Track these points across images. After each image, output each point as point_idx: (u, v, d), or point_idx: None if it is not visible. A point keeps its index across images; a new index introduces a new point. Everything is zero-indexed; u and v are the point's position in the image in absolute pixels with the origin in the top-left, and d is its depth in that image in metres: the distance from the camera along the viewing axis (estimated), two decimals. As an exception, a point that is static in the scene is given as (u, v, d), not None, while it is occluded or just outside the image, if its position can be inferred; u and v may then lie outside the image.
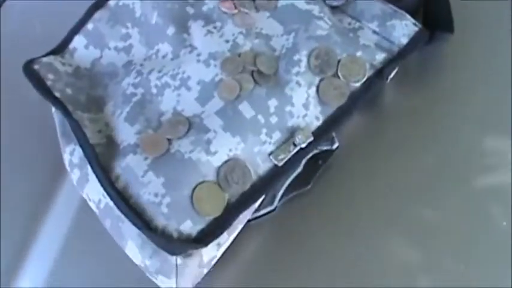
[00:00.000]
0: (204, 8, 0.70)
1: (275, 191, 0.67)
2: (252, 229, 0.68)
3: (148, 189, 0.61)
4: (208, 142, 0.63)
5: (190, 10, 0.71)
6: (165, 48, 0.69)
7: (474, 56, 0.74)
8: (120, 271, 0.68)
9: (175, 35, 0.69)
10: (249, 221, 0.67)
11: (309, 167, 0.68)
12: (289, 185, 0.68)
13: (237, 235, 0.64)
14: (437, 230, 0.65)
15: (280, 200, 0.67)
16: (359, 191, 0.68)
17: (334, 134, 0.68)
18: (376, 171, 0.70)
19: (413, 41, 0.70)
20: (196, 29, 0.69)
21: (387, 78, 0.69)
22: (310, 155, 0.67)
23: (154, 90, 0.67)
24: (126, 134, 0.65)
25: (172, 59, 0.68)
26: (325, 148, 0.68)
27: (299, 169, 0.68)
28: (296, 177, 0.68)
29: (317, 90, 0.67)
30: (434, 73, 0.74)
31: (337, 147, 0.68)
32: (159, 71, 0.68)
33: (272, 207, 0.67)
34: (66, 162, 0.67)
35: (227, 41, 0.68)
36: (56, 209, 0.73)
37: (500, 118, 0.71)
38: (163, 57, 0.69)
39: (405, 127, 0.71)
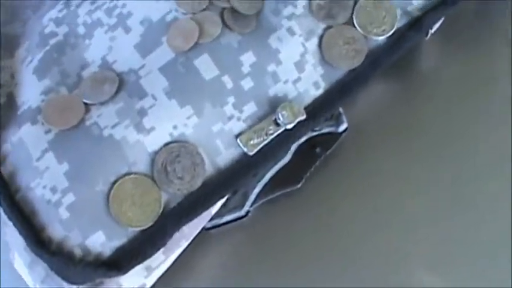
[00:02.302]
0: None
1: (247, 188, 0.43)
2: (213, 239, 0.46)
3: (44, 179, 0.39)
4: (142, 113, 0.40)
5: None
6: (107, -29, 0.46)
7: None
8: None
9: (122, -46, 0.45)
10: (207, 229, 0.43)
11: (301, 157, 0.44)
12: (271, 180, 0.43)
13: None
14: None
15: (255, 202, 0.43)
16: (366, 192, 0.47)
17: (341, 111, 0.43)
18: (397, 166, 0.49)
19: None
20: None
21: (427, 33, 0.45)
22: (303, 139, 0.43)
23: (81, 30, 0.44)
24: (30, 91, 0.43)
25: (114, -13, 0.45)
26: (326, 130, 0.44)
27: (286, 158, 0.43)
28: (282, 169, 0.44)
29: (319, 44, 0.45)
30: (490, 39, 0.49)
31: (346, 130, 0.43)
32: (92, 2, 0.44)
33: (242, 213, 0.44)
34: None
35: None
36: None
37: None
38: (104, -17, 0.45)
39: (445, 109, 0.47)
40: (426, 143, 0.48)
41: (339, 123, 0.46)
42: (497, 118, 0.48)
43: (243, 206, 0.45)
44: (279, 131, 0.43)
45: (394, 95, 0.49)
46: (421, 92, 0.49)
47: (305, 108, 0.43)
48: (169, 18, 0.44)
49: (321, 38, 0.45)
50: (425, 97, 0.49)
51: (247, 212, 0.46)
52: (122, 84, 0.43)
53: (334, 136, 0.46)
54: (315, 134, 0.45)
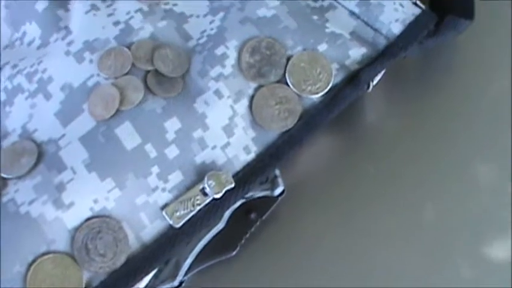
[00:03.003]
0: None
1: (179, 257, 0.41)
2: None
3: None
4: (61, 187, 0.38)
5: None
6: (32, 30, 0.45)
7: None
8: None
9: (46, 11, 0.44)
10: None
11: (235, 222, 0.42)
12: (205, 248, 0.40)
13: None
14: None
15: (188, 271, 0.41)
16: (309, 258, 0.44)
17: (277, 173, 0.41)
18: (340, 227, 0.46)
19: (411, 31, 0.45)
20: (79, 2, 0.43)
21: (368, 87, 0.42)
22: (238, 204, 0.40)
23: (2, 96, 0.41)
24: None
25: (38, 48, 0.42)
26: (261, 194, 0.41)
27: (220, 225, 0.41)
28: (216, 236, 0.42)
29: (250, 105, 0.43)
30: (439, 80, 0.46)
31: (282, 194, 0.41)
32: (14, 66, 0.42)
33: (175, 284, 0.41)
34: None
35: (116, 23, 0.42)
36: None
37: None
38: (29, 44, 0.44)
39: (389, 166, 0.45)
40: (368, 202, 0.45)
41: (274, 186, 0.43)
42: (445, 171, 0.45)
43: (175, 276, 0.43)
44: (207, 201, 0.40)
45: (334, 150, 0.46)
46: (363, 146, 0.46)
47: (235, 175, 0.41)
48: (90, 83, 0.42)
49: (251, 98, 0.42)
50: (368, 152, 0.46)
51: (181, 283, 0.43)
52: (40, 156, 0.40)
53: (270, 200, 0.44)
54: (249, 198, 0.43)
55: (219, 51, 0.43)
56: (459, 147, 0.46)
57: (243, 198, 0.42)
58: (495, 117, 0.47)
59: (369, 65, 0.43)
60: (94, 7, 0.45)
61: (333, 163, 0.46)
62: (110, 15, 0.44)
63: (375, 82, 0.45)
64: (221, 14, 0.44)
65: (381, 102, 0.48)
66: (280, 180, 0.44)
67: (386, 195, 0.45)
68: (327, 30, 0.44)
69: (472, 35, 0.48)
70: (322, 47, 0.43)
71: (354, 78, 0.43)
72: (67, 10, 0.45)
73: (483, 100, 0.47)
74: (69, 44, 0.43)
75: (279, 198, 0.44)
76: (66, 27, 0.44)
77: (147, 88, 0.42)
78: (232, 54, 0.42)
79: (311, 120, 0.42)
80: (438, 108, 0.48)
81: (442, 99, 0.48)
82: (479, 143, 0.46)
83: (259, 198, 0.44)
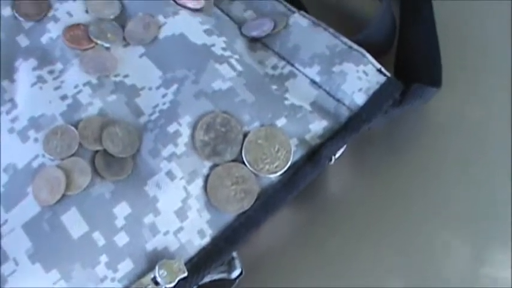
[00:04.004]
0: (44, 39, 0.42)
1: None
2: None
3: None
4: (3, 281, 0.35)
5: (24, 41, 0.42)
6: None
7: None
8: None
9: (-9, 82, 0.41)
10: None
11: None
12: None
13: None
14: None
15: None
16: None
17: (235, 254, 0.39)
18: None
19: (375, 101, 0.42)
20: (25, 73, 0.41)
21: (330, 159, 0.39)
22: None
23: None
24: None
25: (-18, 124, 0.40)
26: (218, 277, 0.38)
27: None
28: None
29: (204, 186, 0.41)
30: (405, 146, 0.44)
31: (240, 275, 0.38)
32: None
33: None
34: None
35: (64, 98, 0.40)
36: None
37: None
38: (-27, 119, 0.41)
39: (358, 232, 0.44)
40: (333, 277, 0.43)
41: (231, 268, 0.41)
42: (411, 242, 0.43)
43: None
44: (159, 291, 0.38)
45: (295, 222, 0.44)
46: (326, 217, 0.44)
47: (189, 261, 0.39)
48: (35, 164, 0.39)
49: (206, 178, 0.40)
50: (331, 224, 0.44)
51: None
52: None
53: (227, 283, 0.41)
54: (205, 281, 0.40)
55: (172, 128, 0.40)
56: (426, 217, 0.45)
57: (199, 282, 0.40)
58: (465, 186, 0.45)
59: (331, 139, 0.41)
60: (40, 79, 0.42)
61: (295, 236, 0.44)
62: (57, 88, 0.42)
63: (337, 155, 0.42)
64: (174, 87, 0.42)
65: (343, 171, 0.45)
66: (237, 261, 0.41)
67: (351, 268, 0.43)
68: (286, 102, 0.42)
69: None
70: (281, 122, 0.41)
71: (315, 155, 0.41)
72: (12, 81, 0.43)
73: (451, 169, 0.45)
74: (14, 120, 0.41)
75: (237, 280, 0.41)
76: (12, 100, 0.42)
77: (95, 171, 0.39)
78: (186, 132, 0.40)
79: (269, 201, 0.40)
80: (404, 176, 0.45)
81: (408, 167, 0.45)
82: (446, 213, 0.45)
83: (215, 281, 0.41)
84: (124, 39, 0.44)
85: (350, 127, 0.42)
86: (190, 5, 0.45)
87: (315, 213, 0.45)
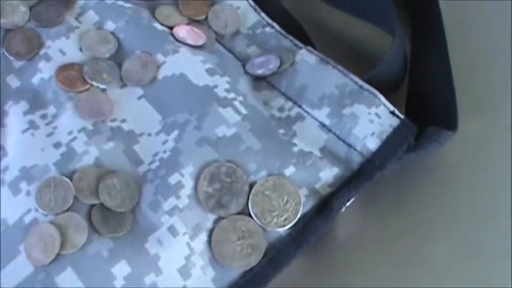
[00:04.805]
0: (35, 79, 0.39)
1: None
2: None
3: None
4: None
5: (14, 81, 0.39)
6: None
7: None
8: None
9: (-20, 127, 0.38)
10: None
11: None
12: None
13: None
14: None
15: None
16: None
17: None
18: None
19: (389, 146, 0.40)
20: (15, 117, 0.38)
21: (340, 208, 0.37)
22: None
23: None
24: None
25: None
26: None
27: None
28: None
29: (209, 241, 0.39)
30: (415, 189, 0.44)
31: None
32: None
33: None
34: None
35: (57, 146, 0.37)
36: None
37: None
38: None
39: (370, 276, 0.42)
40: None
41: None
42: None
43: None
44: None
45: (304, 267, 0.41)
46: (335, 262, 0.41)
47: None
48: (27, 219, 0.37)
49: (210, 232, 0.37)
50: (343, 269, 0.41)
51: None
52: None
53: None
54: None
55: (173, 179, 0.37)
56: (437, 263, 0.42)
57: None
58: (480, 232, 0.43)
59: (342, 189, 0.39)
60: (32, 125, 0.39)
61: (303, 281, 0.41)
62: (49, 135, 0.39)
63: (348, 203, 0.40)
64: (175, 133, 0.39)
65: (355, 216, 0.43)
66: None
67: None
68: (294, 148, 0.39)
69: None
70: (290, 171, 0.38)
71: (325, 207, 0.38)
72: (3, 126, 0.40)
73: (463, 212, 0.43)
74: (4, 170, 0.38)
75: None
76: (2, 148, 0.39)
77: (92, 227, 0.36)
78: (188, 183, 0.37)
79: (277, 257, 0.37)
80: (416, 221, 0.43)
81: (420, 212, 0.43)
82: (457, 260, 0.42)
83: None
84: (121, 79, 0.41)
85: (362, 175, 0.39)
86: (191, 41, 0.43)
87: (321, 258, 0.42)
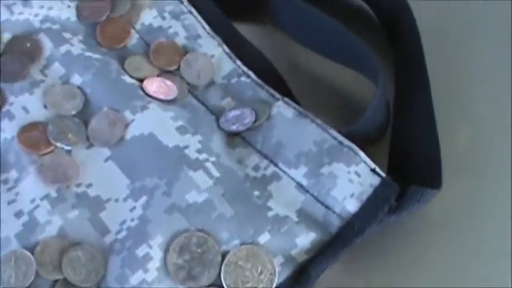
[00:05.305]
0: None
1: None
2: None
3: None
4: None
5: None
6: None
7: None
8: None
9: None
10: None
11: None
12: None
13: None
14: None
15: None
16: None
17: None
18: None
19: (369, 208, 0.39)
20: None
21: (318, 276, 0.35)
22: None
23: None
24: None
25: None
26: None
27: None
28: None
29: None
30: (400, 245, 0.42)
31: None
32: None
33: None
34: None
35: (19, 215, 0.36)
36: None
37: None
38: None
39: None
40: None
41: None
42: None
43: None
44: None
45: None
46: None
47: None
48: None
49: (181, 309, 0.35)
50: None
51: None
52: None
53: None
54: None
55: (141, 251, 0.36)
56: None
57: None
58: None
59: (320, 255, 0.36)
60: None
61: None
62: (11, 202, 0.37)
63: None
64: (143, 199, 0.37)
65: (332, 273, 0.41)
66: None
67: None
68: (269, 213, 0.37)
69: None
70: (264, 238, 0.36)
71: (302, 275, 0.36)
72: None
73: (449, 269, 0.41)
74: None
75: None
76: None
77: (52, 305, 0.34)
78: (157, 255, 0.35)
79: (252, 332, 0.35)
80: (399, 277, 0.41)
81: (403, 266, 0.41)
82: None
83: None
84: (87, 139, 0.39)
85: (341, 240, 0.37)
86: (161, 96, 0.40)
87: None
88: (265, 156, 0.39)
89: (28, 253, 0.36)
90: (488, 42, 0.49)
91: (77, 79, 0.41)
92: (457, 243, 0.41)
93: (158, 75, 0.42)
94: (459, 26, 0.50)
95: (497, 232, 0.42)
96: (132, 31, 0.44)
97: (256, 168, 0.39)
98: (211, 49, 0.43)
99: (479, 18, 0.50)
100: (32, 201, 0.37)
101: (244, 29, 0.45)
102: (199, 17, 0.44)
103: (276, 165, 0.39)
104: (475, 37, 0.49)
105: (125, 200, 0.37)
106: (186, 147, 0.39)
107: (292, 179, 0.39)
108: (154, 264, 0.36)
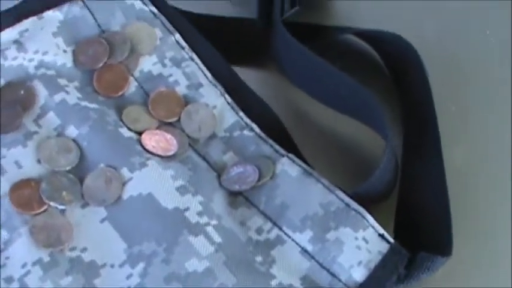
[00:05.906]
0: None
1: None
2: None
3: None
4: None
5: None
6: None
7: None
8: None
9: None
10: None
11: None
12: None
13: None
14: None
15: None
16: None
17: None
18: None
19: (377, 277, 0.37)
20: None
21: None
22: None
23: None
24: None
25: None
26: None
27: None
28: None
29: None
30: None
31: None
32: None
33: None
34: None
35: (9, 281, 0.35)
36: None
37: None
38: None
39: None
40: None
41: None
42: None
43: None
44: None
45: None
46: None
47: None
48: None
49: None
50: None
51: None
52: None
53: None
54: None
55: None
56: None
57: None
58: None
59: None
60: None
61: None
62: (1, 267, 0.35)
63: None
64: (141, 266, 0.35)
65: None
66: None
67: None
68: (272, 282, 0.35)
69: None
70: (266, 312, 0.34)
71: None
72: None
73: None
74: None
75: None
76: None
77: None
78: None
79: None
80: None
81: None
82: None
83: None
84: (82, 197, 0.37)
85: None
86: (160, 152, 0.39)
87: None
88: (269, 218, 0.38)
89: (18, 325, 0.33)
90: (488, 64, 0.47)
91: (72, 131, 0.39)
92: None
93: (157, 127, 0.40)
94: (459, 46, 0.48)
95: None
96: (131, 78, 0.42)
97: (259, 230, 0.37)
98: (213, 99, 0.41)
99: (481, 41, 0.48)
100: (23, 266, 0.35)
101: (246, 74, 0.43)
102: (200, 64, 0.42)
103: (280, 228, 0.37)
104: (475, 56, 0.47)
105: (121, 266, 0.36)
106: (187, 209, 0.37)
107: (297, 243, 0.37)
108: None
